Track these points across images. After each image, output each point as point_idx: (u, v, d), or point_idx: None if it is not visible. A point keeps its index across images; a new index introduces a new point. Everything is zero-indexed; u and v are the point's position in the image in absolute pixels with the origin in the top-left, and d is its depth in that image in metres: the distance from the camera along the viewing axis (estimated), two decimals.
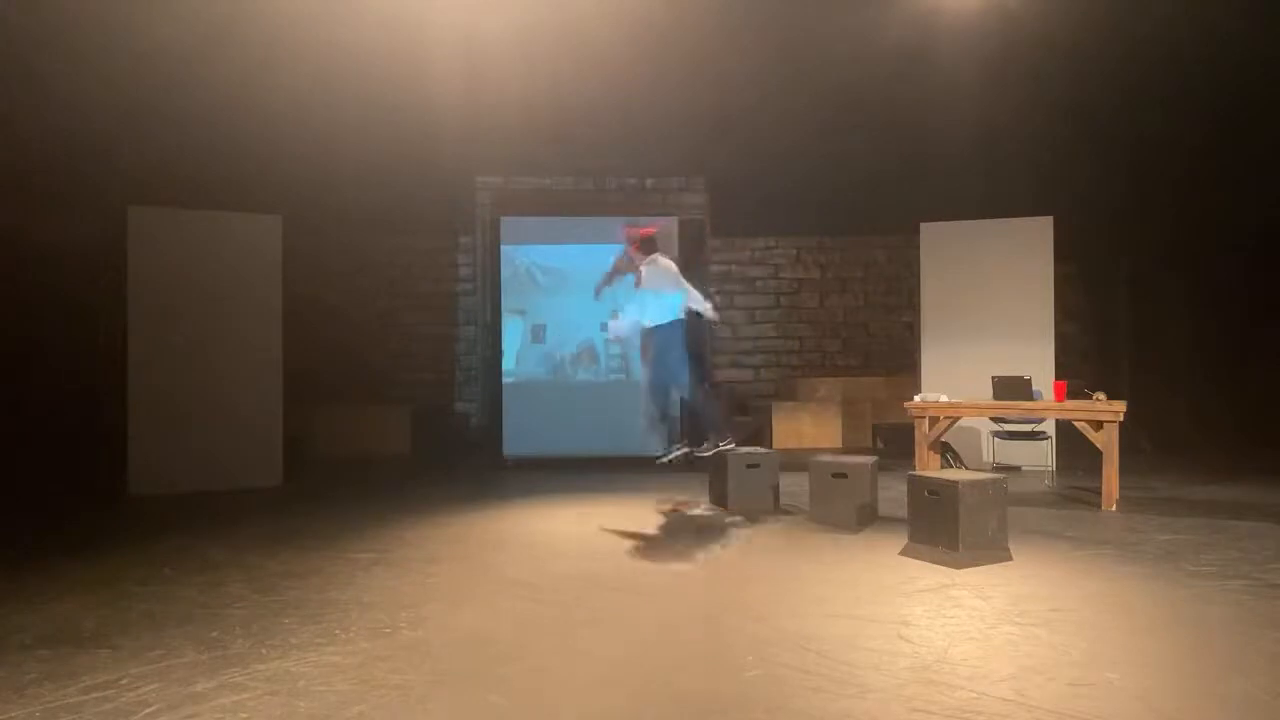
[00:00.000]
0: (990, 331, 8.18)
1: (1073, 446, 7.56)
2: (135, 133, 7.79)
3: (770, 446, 9.12)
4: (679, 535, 5.43)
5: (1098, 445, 6.07)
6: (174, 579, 4.35)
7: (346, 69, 7.28)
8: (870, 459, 5.88)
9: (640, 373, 6.57)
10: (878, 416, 9.89)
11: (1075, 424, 6.35)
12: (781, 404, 10.14)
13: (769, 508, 6.07)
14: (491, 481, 7.95)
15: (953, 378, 7.78)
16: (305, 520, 5.90)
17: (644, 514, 6.13)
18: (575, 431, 9.44)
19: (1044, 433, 7.90)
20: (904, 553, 4.72)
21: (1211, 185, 9.27)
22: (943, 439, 7.06)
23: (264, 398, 7.42)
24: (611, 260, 6.16)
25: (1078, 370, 8.07)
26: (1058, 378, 7.32)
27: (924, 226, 8.58)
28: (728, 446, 6.06)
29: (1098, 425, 6.07)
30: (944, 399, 6.89)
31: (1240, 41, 6.98)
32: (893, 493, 6.00)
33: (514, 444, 9.45)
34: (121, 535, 5.54)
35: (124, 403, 7.04)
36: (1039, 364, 7.72)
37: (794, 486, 6.45)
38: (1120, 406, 6.05)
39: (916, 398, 7.08)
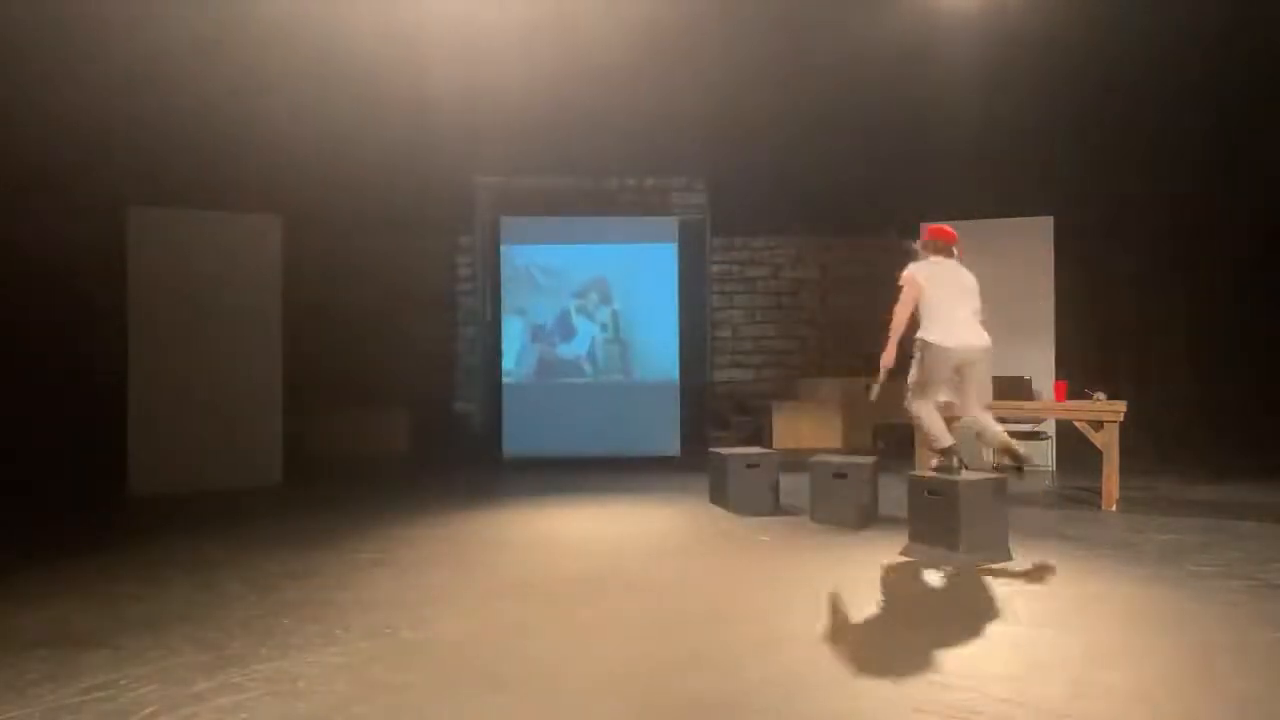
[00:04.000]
0: (990, 331, 8.14)
1: (1073, 447, 7.56)
2: (135, 133, 7.79)
3: (770, 446, 9.11)
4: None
5: (1098, 445, 6.07)
6: (174, 579, 4.35)
7: (347, 69, 7.29)
8: (870, 459, 5.88)
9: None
10: (878, 416, 9.88)
11: (1075, 424, 6.35)
12: (781, 404, 10.14)
13: (769, 508, 6.07)
14: (491, 481, 7.95)
15: None
16: (305, 520, 5.89)
17: (644, 514, 6.13)
18: (575, 431, 9.43)
19: (1044, 433, 7.90)
20: (904, 553, 4.72)
21: (1212, 184, 9.27)
22: None
23: (264, 398, 7.42)
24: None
25: (1078, 370, 8.05)
26: (1058, 378, 7.32)
27: (923, 227, 8.55)
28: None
29: (1098, 425, 6.07)
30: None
31: (1241, 39, 6.98)
32: (893, 493, 6.00)
33: (514, 444, 9.44)
34: (121, 535, 5.54)
35: (124, 402, 7.04)
36: (1039, 364, 7.71)
37: (794, 486, 6.44)
38: (1120, 406, 6.04)
39: None
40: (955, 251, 5.34)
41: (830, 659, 3.11)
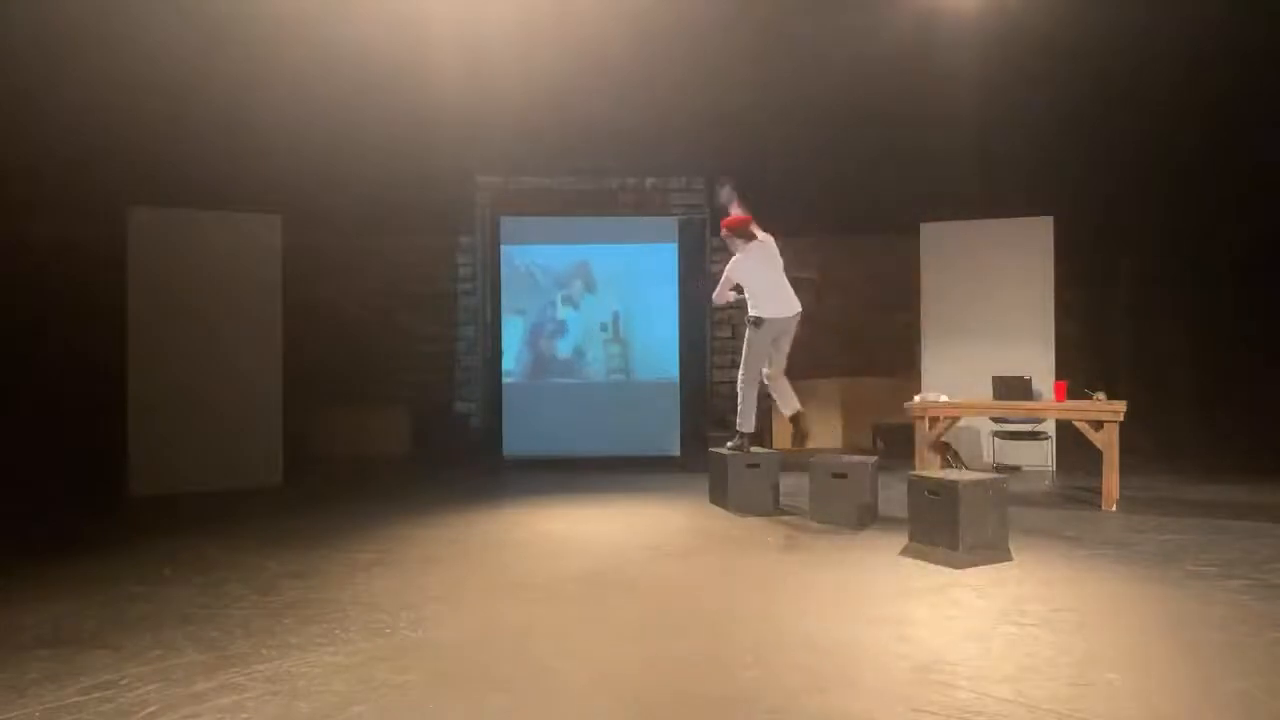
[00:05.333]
0: (990, 331, 8.17)
1: (1073, 446, 7.56)
2: (135, 133, 7.79)
3: (770, 446, 9.10)
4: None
5: (1098, 445, 6.07)
6: (174, 579, 4.35)
7: (347, 68, 7.29)
8: (870, 459, 5.88)
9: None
10: (878, 416, 9.88)
11: (1075, 424, 6.35)
12: None
13: (769, 508, 6.07)
14: (491, 481, 7.95)
15: (953, 378, 7.77)
16: (305, 520, 5.89)
17: (644, 514, 6.13)
18: (575, 431, 9.43)
19: (1044, 433, 7.90)
20: (904, 553, 4.72)
21: (1212, 184, 9.27)
22: (943, 439, 7.06)
23: (264, 398, 7.42)
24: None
25: (1078, 370, 8.05)
26: (1058, 378, 7.31)
27: (924, 226, 8.57)
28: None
29: (1098, 425, 6.07)
30: (944, 399, 6.89)
31: (1241, 39, 6.98)
32: (893, 493, 6.00)
33: (514, 444, 9.44)
34: (121, 535, 5.54)
35: (124, 403, 7.03)
36: (1039, 364, 7.71)
37: (794, 486, 6.45)
38: (1120, 406, 6.04)
39: (916, 398, 7.08)
40: (753, 230, 6.13)
41: (829, 659, 3.11)
